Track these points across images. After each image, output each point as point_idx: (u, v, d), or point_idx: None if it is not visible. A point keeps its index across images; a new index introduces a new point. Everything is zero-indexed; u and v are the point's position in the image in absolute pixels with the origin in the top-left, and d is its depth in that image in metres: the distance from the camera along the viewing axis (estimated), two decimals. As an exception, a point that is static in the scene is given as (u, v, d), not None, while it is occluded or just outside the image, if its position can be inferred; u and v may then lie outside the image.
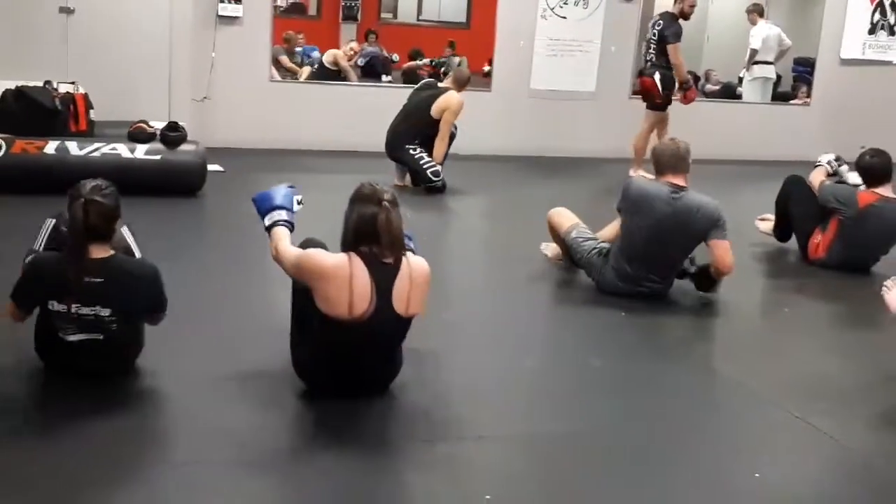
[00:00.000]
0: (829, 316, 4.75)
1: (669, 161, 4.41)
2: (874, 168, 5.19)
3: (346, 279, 2.93)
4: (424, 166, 6.74)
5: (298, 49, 10.71)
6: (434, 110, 6.73)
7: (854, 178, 5.49)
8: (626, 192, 4.46)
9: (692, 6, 7.63)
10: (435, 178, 6.72)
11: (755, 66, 9.87)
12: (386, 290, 2.99)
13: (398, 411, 3.15)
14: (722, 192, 6.85)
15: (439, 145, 6.77)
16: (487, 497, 2.63)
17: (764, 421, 3.34)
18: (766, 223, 5.79)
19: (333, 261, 2.98)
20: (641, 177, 7.23)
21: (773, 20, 10.05)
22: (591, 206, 4.49)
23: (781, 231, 5.63)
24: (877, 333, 4.30)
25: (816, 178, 5.41)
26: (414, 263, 3.08)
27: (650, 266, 4.43)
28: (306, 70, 10.22)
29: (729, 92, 10.46)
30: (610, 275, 4.48)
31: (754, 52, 9.81)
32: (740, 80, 10.15)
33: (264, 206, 3.27)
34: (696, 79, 10.83)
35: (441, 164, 6.82)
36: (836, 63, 9.45)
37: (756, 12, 9.86)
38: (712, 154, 8.53)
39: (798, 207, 5.45)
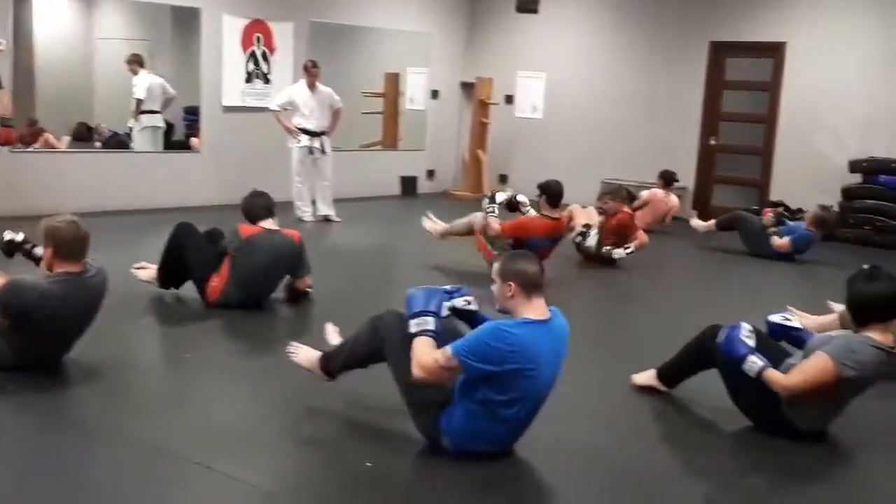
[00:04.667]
0: (231, 355, 4.89)
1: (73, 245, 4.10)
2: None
3: None
4: None
5: None
6: None
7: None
8: None
9: None
10: None
11: (143, 116, 9.91)
12: None
13: None
14: (112, 243, 6.60)
15: None
16: None
17: (170, 476, 3.28)
18: (146, 272, 5.73)
19: None
20: None
21: (158, 70, 10.19)
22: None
23: (164, 278, 5.65)
24: (274, 366, 4.41)
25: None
26: None
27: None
28: None
29: (120, 142, 10.31)
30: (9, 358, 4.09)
31: (140, 101, 9.86)
32: (131, 129, 10.10)
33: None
34: (90, 129, 10.50)
35: None
36: (220, 110, 9.89)
37: (136, 62, 9.93)
38: (107, 206, 8.40)
39: (195, 254, 5.51)
